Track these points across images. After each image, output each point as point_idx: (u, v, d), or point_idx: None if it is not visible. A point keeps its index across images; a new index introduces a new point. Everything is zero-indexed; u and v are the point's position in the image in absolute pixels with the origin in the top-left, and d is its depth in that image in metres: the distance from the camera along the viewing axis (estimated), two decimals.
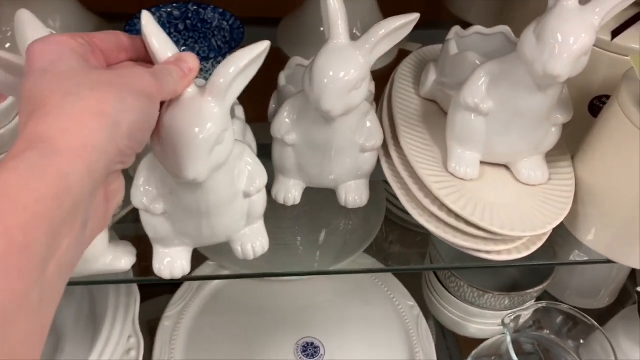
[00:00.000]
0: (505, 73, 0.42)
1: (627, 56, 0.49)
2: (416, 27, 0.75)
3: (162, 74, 0.31)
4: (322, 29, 0.56)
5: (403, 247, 0.66)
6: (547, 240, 0.48)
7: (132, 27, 0.55)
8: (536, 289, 0.67)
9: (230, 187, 0.39)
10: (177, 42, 0.59)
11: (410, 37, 0.72)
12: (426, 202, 0.45)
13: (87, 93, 0.26)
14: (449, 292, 0.69)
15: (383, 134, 0.48)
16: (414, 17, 0.39)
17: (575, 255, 0.52)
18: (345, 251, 0.54)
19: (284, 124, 0.46)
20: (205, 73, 0.52)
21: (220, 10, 0.58)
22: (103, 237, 0.41)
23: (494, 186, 0.47)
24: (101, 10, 0.63)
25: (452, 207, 0.43)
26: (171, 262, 0.43)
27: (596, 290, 0.84)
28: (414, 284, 0.74)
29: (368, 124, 0.46)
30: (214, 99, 0.33)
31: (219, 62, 0.52)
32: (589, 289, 0.84)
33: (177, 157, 0.33)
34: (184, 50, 0.59)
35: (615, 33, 0.49)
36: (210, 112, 0.33)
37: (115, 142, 0.26)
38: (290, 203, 0.49)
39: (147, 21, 0.33)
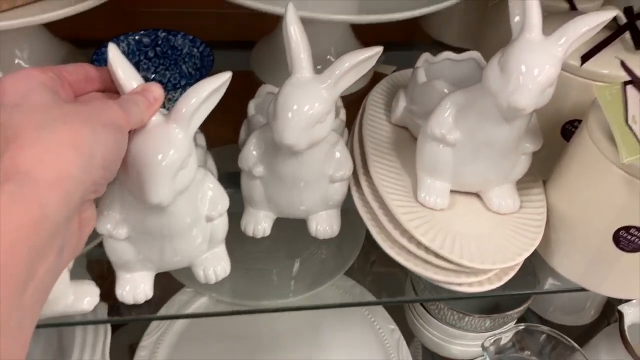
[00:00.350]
0: (472, 103, 0.42)
1: (597, 81, 0.49)
2: (392, 49, 0.75)
3: (128, 104, 0.32)
4: None
5: (386, 267, 0.66)
6: (521, 269, 0.47)
7: (100, 57, 0.54)
8: (517, 310, 0.66)
9: (193, 211, 0.40)
10: (147, 69, 0.59)
11: (387, 59, 0.72)
12: (396, 234, 0.44)
13: (60, 126, 0.27)
14: (429, 314, 0.69)
15: (353, 163, 0.47)
16: (376, 51, 0.39)
17: (550, 283, 0.52)
18: (322, 277, 0.54)
19: (251, 155, 0.45)
20: (174, 102, 0.52)
21: (190, 37, 0.58)
22: (64, 276, 0.40)
23: (464, 216, 0.47)
24: (71, 36, 0.62)
25: (421, 239, 0.43)
26: (134, 287, 0.44)
27: (580, 307, 0.84)
28: (396, 305, 0.74)
29: (337, 155, 0.45)
30: (178, 126, 0.35)
31: None
32: (572, 305, 0.83)
33: (142, 182, 0.34)
34: (154, 78, 0.59)
35: (585, 58, 0.49)
36: (174, 138, 0.34)
37: (90, 173, 0.28)
38: (259, 235, 0.49)
39: (114, 53, 0.34)
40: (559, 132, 0.52)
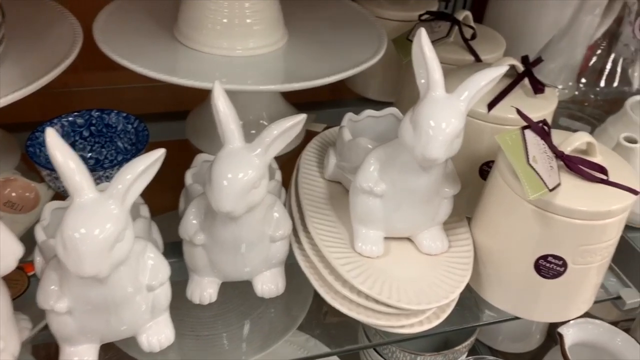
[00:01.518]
0: (392, 157, 0.46)
1: (504, 125, 0.54)
2: (321, 107, 0.78)
3: None
4: None
5: (338, 317, 0.67)
6: (461, 304, 0.50)
7: (34, 141, 0.55)
8: (464, 344, 0.69)
9: (133, 282, 0.41)
10: (83, 149, 0.60)
11: (317, 117, 0.76)
12: (337, 285, 0.47)
13: None
14: (383, 357, 0.70)
15: (292, 220, 0.50)
16: (300, 118, 0.42)
17: (489, 315, 0.55)
18: (274, 336, 0.54)
19: (191, 225, 0.46)
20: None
21: (124, 114, 0.60)
22: None
23: (399, 260, 0.49)
24: (3, 121, 0.63)
25: (360, 287, 0.45)
26: None
27: (526, 333, 0.87)
28: (350, 353, 0.75)
29: (275, 215, 0.48)
30: (114, 201, 0.37)
31: None
32: (519, 332, 0.87)
33: (79, 257, 0.35)
34: (90, 157, 0.60)
35: (491, 105, 0.54)
36: (109, 214, 0.36)
37: None
38: (206, 302, 0.49)
39: (51, 138, 0.35)
40: (477, 173, 0.57)
